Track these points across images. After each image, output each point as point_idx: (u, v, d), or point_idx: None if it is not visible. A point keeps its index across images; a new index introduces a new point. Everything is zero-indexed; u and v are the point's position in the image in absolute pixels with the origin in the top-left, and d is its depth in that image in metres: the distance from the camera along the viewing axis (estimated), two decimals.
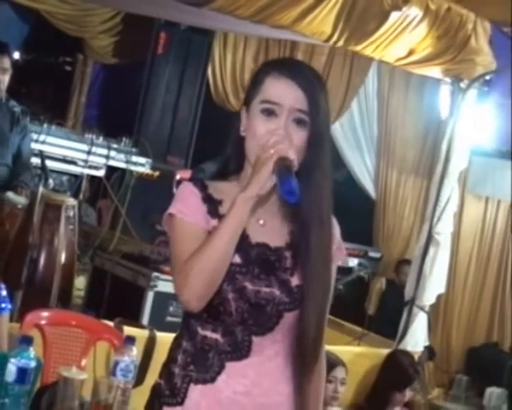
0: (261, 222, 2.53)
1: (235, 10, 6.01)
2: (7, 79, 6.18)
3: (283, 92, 2.49)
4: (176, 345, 2.54)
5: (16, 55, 9.77)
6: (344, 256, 2.71)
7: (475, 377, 9.52)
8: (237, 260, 2.44)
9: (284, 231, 2.56)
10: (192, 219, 2.47)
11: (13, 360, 3.27)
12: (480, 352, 9.94)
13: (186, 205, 2.49)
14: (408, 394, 5.77)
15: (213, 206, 2.50)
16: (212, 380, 2.45)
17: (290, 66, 2.63)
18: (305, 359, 2.53)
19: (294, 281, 2.50)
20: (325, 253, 2.54)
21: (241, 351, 2.46)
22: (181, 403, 2.46)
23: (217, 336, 2.47)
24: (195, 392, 2.45)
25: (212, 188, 2.53)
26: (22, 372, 3.26)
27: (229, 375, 2.45)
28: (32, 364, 3.30)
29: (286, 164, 2.37)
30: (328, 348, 5.32)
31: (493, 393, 9.15)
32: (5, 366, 3.27)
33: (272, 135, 2.43)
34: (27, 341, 3.36)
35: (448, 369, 9.57)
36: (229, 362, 2.46)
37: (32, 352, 3.33)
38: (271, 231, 2.54)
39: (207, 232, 2.44)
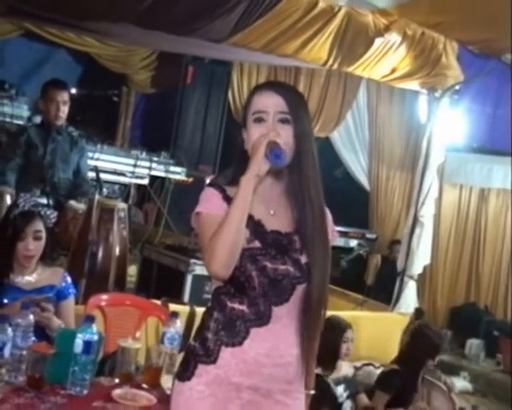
0: (271, 212, 2.55)
1: (249, 44, 6.01)
2: (66, 109, 6.18)
3: (266, 101, 2.54)
4: (208, 315, 2.54)
5: (73, 91, 9.84)
6: (336, 238, 2.72)
7: (457, 331, 9.53)
8: (257, 244, 2.47)
9: (291, 219, 2.57)
10: (216, 213, 2.48)
11: (79, 335, 3.28)
12: (460, 310, 9.97)
13: (210, 203, 2.51)
14: (437, 358, 5.70)
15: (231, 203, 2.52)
16: (240, 344, 2.46)
17: (270, 83, 2.88)
18: (309, 321, 2.54)
19: (303, 259, 2.52)
20: (322, 235, 2.56)
21: (262, 319, 2.47)
22: (214, 362, 2.46)
23: (243, 307, 2.47)
24: (226, 353, 2.46)
25: (228, 191, 2.54)
26: (87, 345, 3.28)
27: (253, 339, 2.46)
28: (95, 337, 3.32)
29: (273, 144, 2.44)
30: (338, 313, 5.35)
31: (473, 344, 9.17)
32: (74, 340, 3.29)
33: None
34: (90, 319, 3.38)
35: (435, 325, 9.54)
36: (253, 328, 2.46)
37: (94, 328, 3.34)
38: (281, 220, 2.56)
39: None
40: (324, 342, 5.21)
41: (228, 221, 2.39)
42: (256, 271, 2.45)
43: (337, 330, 5.23)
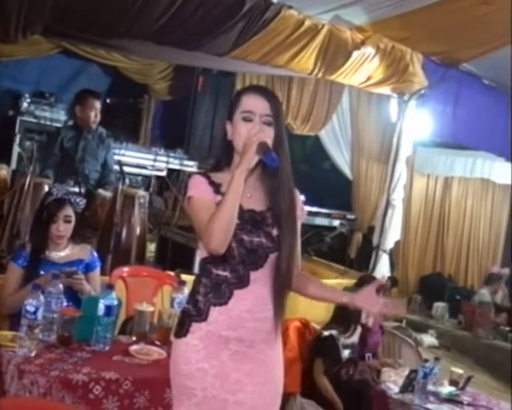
0: (248, 195, 2.52)
1: (246, 57, 6.01)
2: (99, 115, 6.16)
3: (255, 103, 2.51)
4: (198, 282, 2.54)
5: (107, 100, 9.88)
6: (305, 216, 2.71)
7: (426, 296, 9.57)
8: (236, 221, 2.45)
9: (264, 200, 2.56)
10: (205, 197, 2.47)
11: (102, 300, 3.29)
12: (428, 279, 10.00)
13: (198, 188, 2.49)
14: None
15: (216, 187, 2.50)
16: (226, 303, 2.46)
17: (258, 87, 2.75)
18: (280, 282, 2.53)
19: (274, 232, 2.51)
20: (291, 213, 2.55)
21: (243, 282, 2.47)
22: (205, 320, 2.47)
23: (226, 273, 2.47)
24: (215, 311, 2.46)
25: (212, 176, 2.53)
26: (108, 309, 3.29)
27: (236, 299, 2.46)
28: (115, 303, 3.33)
29: (265, 146, 2.43)
30: (324, 281, 5.18)
31: (438, 306, 9.18)
32: (97, 305, 3.29)
33: (251, 131, 2.46)
34: (111, 287, 3.38)
35: (407, 292, 9.60)
36: (235, 290, 2.46)
37: (114, 294, 3.34)
38: (256, 201, 2.55)
39: (216, 204, 2.43)
40: (346, 310, 5.06)
41: (223, 207, 2.37)
42: (235, 243, 2.44)
43: None
